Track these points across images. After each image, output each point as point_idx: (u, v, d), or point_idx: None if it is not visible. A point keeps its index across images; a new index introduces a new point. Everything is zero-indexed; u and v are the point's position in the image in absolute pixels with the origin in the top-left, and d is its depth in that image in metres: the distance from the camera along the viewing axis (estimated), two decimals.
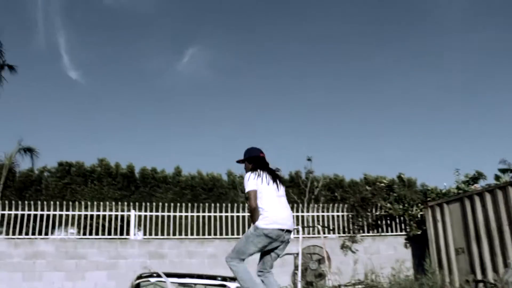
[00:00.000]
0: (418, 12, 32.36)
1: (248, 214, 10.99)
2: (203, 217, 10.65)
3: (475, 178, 11.35)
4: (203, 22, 34.70)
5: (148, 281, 6.26)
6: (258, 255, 4.69)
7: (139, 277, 6.43)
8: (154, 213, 10.54)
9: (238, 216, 10.90)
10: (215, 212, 10.74)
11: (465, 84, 32.54)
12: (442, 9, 31.67)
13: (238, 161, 5.13)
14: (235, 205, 11.04)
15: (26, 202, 10.19)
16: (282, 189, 4.85)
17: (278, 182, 4.83)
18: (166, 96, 33.07)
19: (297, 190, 16.55)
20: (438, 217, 9.97)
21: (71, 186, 17.74)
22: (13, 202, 10.10)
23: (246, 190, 4.71)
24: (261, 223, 4.62)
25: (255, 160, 5.04)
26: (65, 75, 31.43)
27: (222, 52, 35.16)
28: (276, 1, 33.94)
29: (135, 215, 10.30)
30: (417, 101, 32.14)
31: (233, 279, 6.35)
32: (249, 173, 4.83)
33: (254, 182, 4.75)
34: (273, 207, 4.69)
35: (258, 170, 4.84)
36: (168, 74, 34.85)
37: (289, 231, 4.63)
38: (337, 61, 33.68)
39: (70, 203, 10.44)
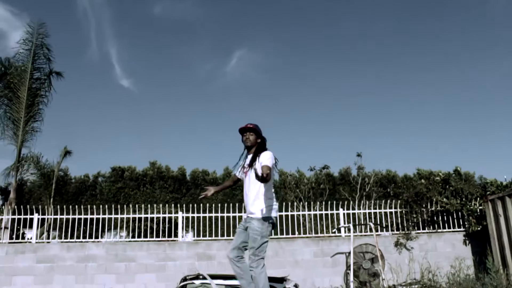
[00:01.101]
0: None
1: (298, 213, 10.78)
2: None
3: None
4: (248, 25, 34.72)
5: (193, 283, 6.13)
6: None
7: (184, 279, 6.32)
8: (202, 215, 10.47)
9: (287, 215, 10.64)
10: None
11: None
12: None
13: (250, 128, 4.89)
14: (283, 204, 10.80)
15: (76, 206, 10.39)
16: None
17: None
18: (215, 99, 33.33)
19: (348, 187, 16.16)
20: (500, 211, 9.31)
21: (124, 190, 18.15)
22: (65, 207, 10.32)
23: (269, 164, 4.57)
24: (272, 213, 4.76)
25: (265, 141, 4.98)
26: (118, 84, 32.37)
27: (268, 54, 35.05)
28: (320, 2, 33.43)
29: (183, 217, 10.26)
30: (470, 95, 30.77)
31: (279, 280, 6.13)
32: (270, 152, 4.77)
33: (273, 162, 4.75)
34: None
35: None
36: (217, 77, 35.12)
37: None
38: (385, 58, 32.77)
39: (119, 206, 10.56)
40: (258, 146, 4.87)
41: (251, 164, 4.75)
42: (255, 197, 4.71)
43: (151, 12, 33.72)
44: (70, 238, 9.94)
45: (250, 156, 4.88)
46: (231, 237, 10.97)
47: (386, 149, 28.42)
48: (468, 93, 31.84)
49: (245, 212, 4.88)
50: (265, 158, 4.62)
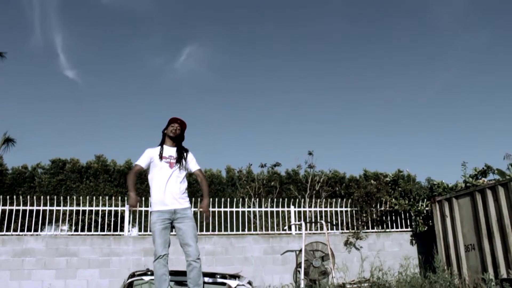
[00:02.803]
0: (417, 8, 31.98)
1: (249, 209, 10.61)
2: (200, 212, 10.18)
3: (484, 172, 10.89)
4: (199, 20, 34.29)
5: (142, 279, 5.81)
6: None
7: (132, 275, 5.99)
8: (149, 209, 10.04)
9: (237, 212, 10.44)
10: (213, 207, 10.30)
11: (464, 81, 32.19)
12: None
13: (183, 122, 5.00)
14: (235, 199, 10.60)
15: (15, 197, 9.73)
16: None
17: None
18: (164, 94, 32.68)
19: (295, 186, 16.16)
20: (447, 212, 9.53)
21: (66, 182, 17.25)
22: (1, 197, 9.63)
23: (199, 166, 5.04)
24: None
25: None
26: (61, 75, 31.02)
27: (218, 51, 34.76)
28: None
29: (129, 211, 9.83)
30: (415, 99, 31.81)
31: (233, 277, 5.92)
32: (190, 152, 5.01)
33: None
34: None
35: None
36: (165, 73, 34.45)
37: None
38: (333, 59, 33.31)
39: (61, 198, 9.97)
40: (179, 142, 4.98)
41: (180, 158, 4.82)
42: (184, 189, 4.81)
43: (100, 2, 32.58)
44: (6, 231, 9.28)
45: (170, 148, 4.90)
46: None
47: (332, 150, 28.86)
48: (415, 96, 32.90)
49: (195, 207, 4.77)
50: (194, 160, 4.97)
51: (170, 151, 4.87)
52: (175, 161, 4.79)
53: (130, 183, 4.89)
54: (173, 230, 4.74)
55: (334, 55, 33.35)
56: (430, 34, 32.36)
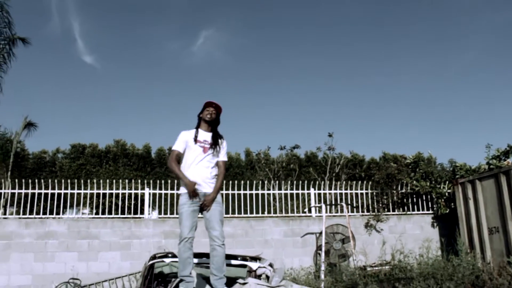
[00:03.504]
0: None
1: (268, 192, 10.57)
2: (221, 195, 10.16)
3: (506, 153, 10.62)
4: (216, 4, 34.03)
5: (163, 261, 5.82)
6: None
7: (153, 257, 6.00)
8: (169, 191, 10.10)
9: (257, 194, 10.40)
10: (232, 190, 10.28)
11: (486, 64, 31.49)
12: None
13: (218, 106, 4.87)
14: (254, 182, 10.56)
15: (36, 181, 9.83)
16: None
17: None
18: (181, 78, 32.66)
19: (315, 168, 16.06)
20: (470, 194, 9.36)
21: (86, 167, 17.46)
22: (23, 181, 9.74)
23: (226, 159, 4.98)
24: None
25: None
26: (80, 60, 31.17)
27: (235, 34, 34.53)
28: None
29: (149, 194, 9.86)
30: (435, 82, 31.26)
31: (254, 259, 5.89)
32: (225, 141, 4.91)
33: None
34: None
35: None
36: (183, 57, 34.39)
37: None
38: (351, 42, 32.82)
39: (82, 181, 10.05)
40: (215, 126, 4.89)
41: (216, 143, 4.76)
42: (215, 174, 4.73)
43: None
44: (29, 214, 9.41)
45: (205, 133, 4.81)
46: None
47: (351, 133, 28.58)
48: (435, 79, 32.34)
49: None
50: (225, 150, 4.88)
51: (205, 135, 4.77)
52: (209, 146, 4.70)
53: (177, 170, 4.68)
54: (201, 213, 4.66)
55: (352, 38, 32.90)
56: (451, 17, 31.64)
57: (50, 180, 10.05)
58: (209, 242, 4.50)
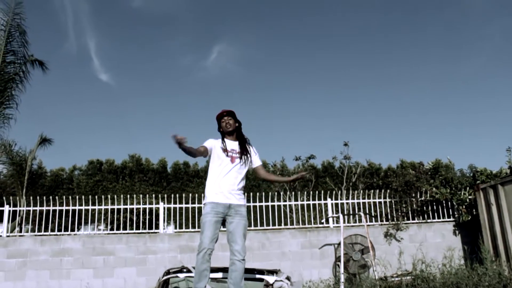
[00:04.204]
0: None
1: (285, 203, 10.40)
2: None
3: None
4: (228, 18, 34.22)
5: (177, 276, 5.70)
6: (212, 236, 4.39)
7: (167, 272, 5.88)
8: (184, 205, 10.00)
9: (273, 206, 10.23)
10: (248, 202, 10.13)
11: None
12: None
13: (229, 112, 4.73)
14: (270, 194, 10.40)
15: (51, 197, 9.81)
16: None
17: None
18: (195, 92, 32.79)
19: (331, 179, 15.86)
20: (492, 200, 9.08)
21: (102, 183, 17.50)
22: (38, 198, 9.72)
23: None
24: None
25: (241, 124, 4.89)
26: (96, 78, 31.57)
27: (248, 47, 34.64)
28: None
29: (164, 208, 9.76)
30: (448, 89, 30.91)
31: (270, 272, 5.73)
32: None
33: None
34: None
35: None
36: (196, 71, 34.59)
37: None
38: (364, 52, 32.63)
39: (96, 197, 10.00)
40: (238, 130, 4.75)
41: (245, 152, 4.62)
42: (242, 186, 4.58)
43: (130, 6, 32.95)
44: (44, 231, 9.37)
45: (232, 142, 4.66)
46: None
47: (366, 142, 28.25)
48: (450, 85, 31.92)
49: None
50: (258, 154, 4.79)
51: (232, 145, 4.63)
52: (237, 155, 4.57)
53: (188, 147, 4.40)
54: (223, 226, 4.52)
55: (364, 47, 32.69)
56: (463, 22, 31.32)
57: (64, 197, 10.02)
58: (229, 256, 4.36)
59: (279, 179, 4.71)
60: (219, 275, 5.39)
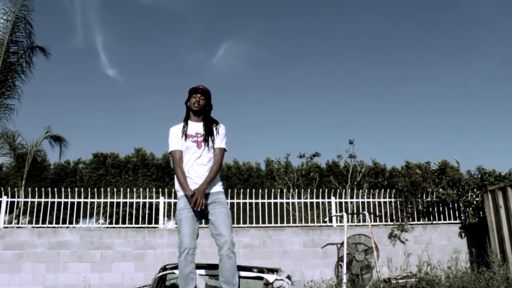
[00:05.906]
0: None
1: (288, 201, 10.19)
2: (238, 204, 9.81)
3: None
4: (235, 16, 34.05)
5: (174, 273, 5.50)
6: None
7: (164, 268, 5.70)
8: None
9: (276, 203, 10.01)
10: (250, 199, 9.93)
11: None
12: None
13: (205, 91, 4.27)
14: (273, 191, 10.19)
15: (49, 189, 9.65)
16: None
17: None
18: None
19: (336, 177, 15.65)
20: (500, 202, 8.85)
21: (106, 177, 17.39)
22: (36, 189, 9.57)
23: (225, 147, 4.23)
24: None
25: (211, 109, 4.44)
26: (103, 73, 31.54)
27: (255, 45, 34.47)
28: None
29: (164, 202, 9.58)
30: (457, 90, 30.60)
31: (271, 271, 5.53)
32: (223, 125, 4.29)
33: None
34: None
35: None
36: (203, 69, 34.46)
37: None
38: (373, 53, 32.36)
39: (96, 190, 9.84)
40: (206, 114, 4.26)
41: (209, 134, 4.13)
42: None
43: (139, 2, 32.88)
44: (42, 224, 9.22)
45: (196, 124, 4.20)
46: None
47: (371, 142, 27.97)
48: (459, 87, 31.59)
49: (231, 198, 4.22)
50: (223, 136, 4.20)
51: (196, 127, 4.17)
52: (202, 139, 4.10)
53: (182, 179, 4.00)
54: (204, 221, 4.19)
55: (371, 48, 32.40)
56: (469, 24, 30.95)
57: (63, 189, 9.86)
58: (217, 251, 3.92)
59: (209, 175, 4.02)
60: (212, 272, 5.20)
